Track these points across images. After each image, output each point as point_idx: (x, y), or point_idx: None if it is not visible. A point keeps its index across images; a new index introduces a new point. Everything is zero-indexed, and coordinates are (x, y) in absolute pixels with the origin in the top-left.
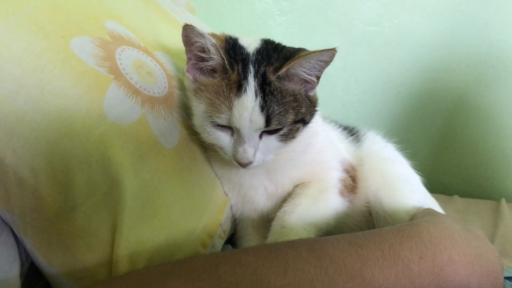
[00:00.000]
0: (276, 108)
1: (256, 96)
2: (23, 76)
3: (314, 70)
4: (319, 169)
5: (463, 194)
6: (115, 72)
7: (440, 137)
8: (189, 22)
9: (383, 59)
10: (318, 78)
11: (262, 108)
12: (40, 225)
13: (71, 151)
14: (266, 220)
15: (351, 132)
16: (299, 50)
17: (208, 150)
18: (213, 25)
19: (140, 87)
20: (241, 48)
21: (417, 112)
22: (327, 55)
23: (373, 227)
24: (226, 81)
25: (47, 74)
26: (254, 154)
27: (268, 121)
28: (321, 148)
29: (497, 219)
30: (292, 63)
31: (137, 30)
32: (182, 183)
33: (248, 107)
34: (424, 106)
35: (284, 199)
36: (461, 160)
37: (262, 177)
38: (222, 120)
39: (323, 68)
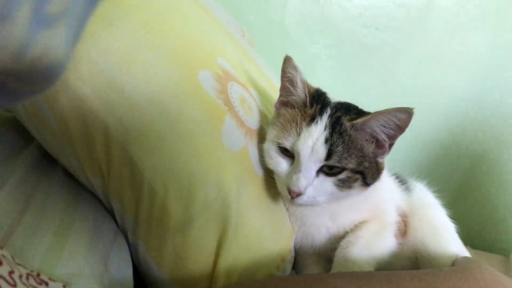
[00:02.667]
0: (340, 147)
1: (325, 129)
2: (166, 101)
3: (388, 128)
4: (379, 213)
5: (474, 246)
6: (228, 104)
7: (458, 190)
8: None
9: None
10: (390, 142)
11: (326, 141)
12: (160, 233)
13: (195, 171)
14: (321, 255)
15: (402, 181)
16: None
17: None
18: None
19: (245, 119)
20: (326, 97)
21: (439, 165)
22: (404, 113)
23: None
24: (302, 112)
25: (183, 101)
26: (306, 187)
27: (329, 155)
28: (383, 197)
29: (508, 273)
30: (370, 117)
31: (237, 68)
32: (267, 208)
33: (314, 136)
34: (447, 159)
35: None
36: (475, 214)
37: (325, 218)
38: (288, 143)
39: (398, 129)
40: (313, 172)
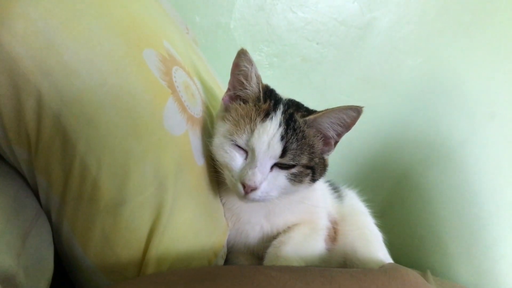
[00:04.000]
0: (294, 144)
1: (280, 126)
2: (108, 73)
3: (337, 125)
4: (312, 217)
5: (395, 261)
6: (172, 87)
7: (382, 206)
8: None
9: None
10: (337, 139)
11: (282, 138)
12: (88, 214)
13: (133, 150)
14: (254, 254)
15: (334, 189)
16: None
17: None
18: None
19: (187, 106)
20: (276, 94)
21: (368, 180)
22: (354, 111)
23: None
24: (256, 107)
25: (126, 75)
26: (261, 182)
27: (284, 153)
28: (316, 201)
29: None
30: (322, 113)
31: (182, 54)
32: (204, 200)
33: (269, 132)
34: (374, 175)
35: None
36: (397, 230)
37: (260, 216)
38: (242, 140)
39: (345, 127)
40: (268, 167)
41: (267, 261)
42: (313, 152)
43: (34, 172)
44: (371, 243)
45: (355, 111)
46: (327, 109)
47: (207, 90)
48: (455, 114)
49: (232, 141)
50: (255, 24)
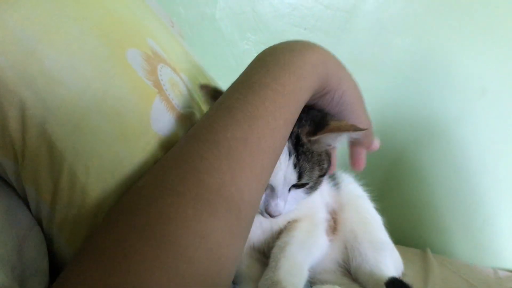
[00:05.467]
0: (306, 166)
1: (290, 155)
2: (92, 77)
3: (342, 141)
4: (310, 211)
5: (393, 241)
6: (158, 86)
7: (379, 188)
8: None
9: None
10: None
11: (295, 166)
12: (79, 222)
13: (121, 154)
14: (255, 249)
15: (330, 177)
16: (326, 115)
17: None
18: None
19: (175, 103)
20: None
21: None
22: (358, 134)
23: (348, 267)
24: None
25: (110, 79)
26: (284, 208)
27: (299, 177)
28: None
29: (427, 266)
30: (326, 133)
31: (167, 50)
32: None
33: (282, 167)
34: (369, 159)
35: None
36: (395, 211)
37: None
38: None
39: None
40: (287, 193)
41: (272, 262)
42: (322, 161)
43: (22, 182)
44: (372, 227)
45: (359, 135)
46: (332, 129)
47: (195, 85)
48: (446, 91)
49: None
50: (240, 12)
